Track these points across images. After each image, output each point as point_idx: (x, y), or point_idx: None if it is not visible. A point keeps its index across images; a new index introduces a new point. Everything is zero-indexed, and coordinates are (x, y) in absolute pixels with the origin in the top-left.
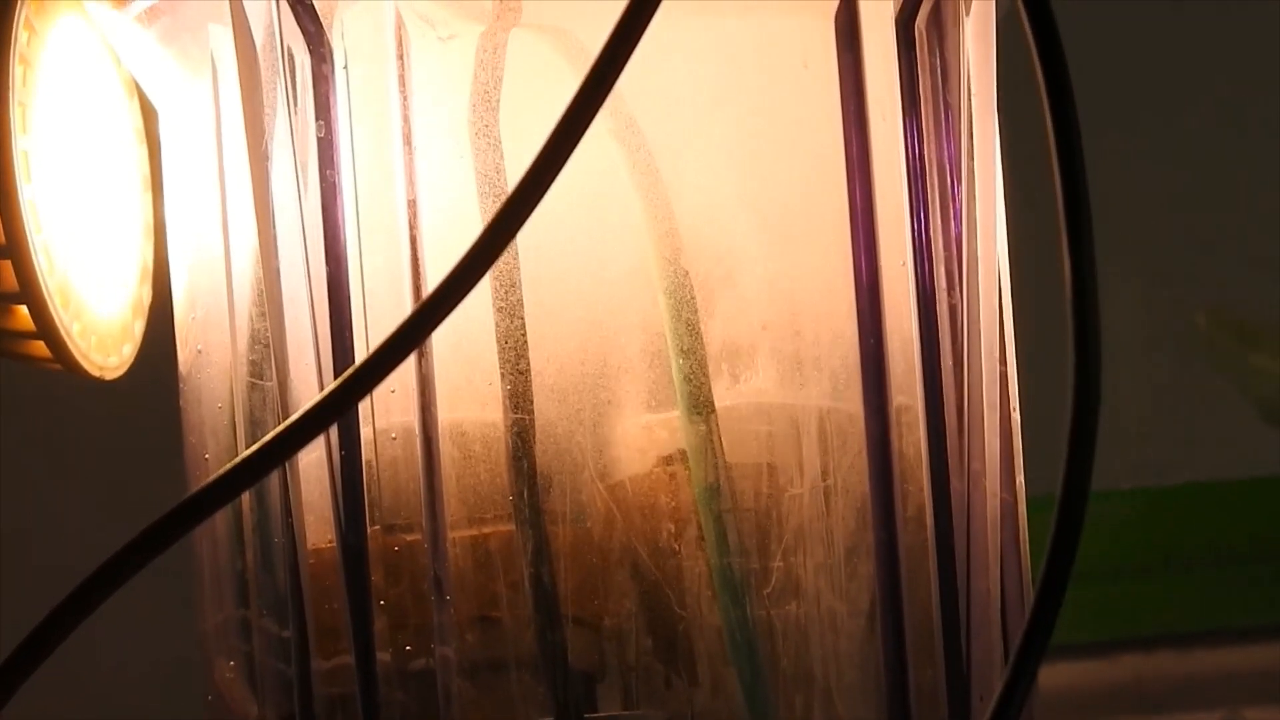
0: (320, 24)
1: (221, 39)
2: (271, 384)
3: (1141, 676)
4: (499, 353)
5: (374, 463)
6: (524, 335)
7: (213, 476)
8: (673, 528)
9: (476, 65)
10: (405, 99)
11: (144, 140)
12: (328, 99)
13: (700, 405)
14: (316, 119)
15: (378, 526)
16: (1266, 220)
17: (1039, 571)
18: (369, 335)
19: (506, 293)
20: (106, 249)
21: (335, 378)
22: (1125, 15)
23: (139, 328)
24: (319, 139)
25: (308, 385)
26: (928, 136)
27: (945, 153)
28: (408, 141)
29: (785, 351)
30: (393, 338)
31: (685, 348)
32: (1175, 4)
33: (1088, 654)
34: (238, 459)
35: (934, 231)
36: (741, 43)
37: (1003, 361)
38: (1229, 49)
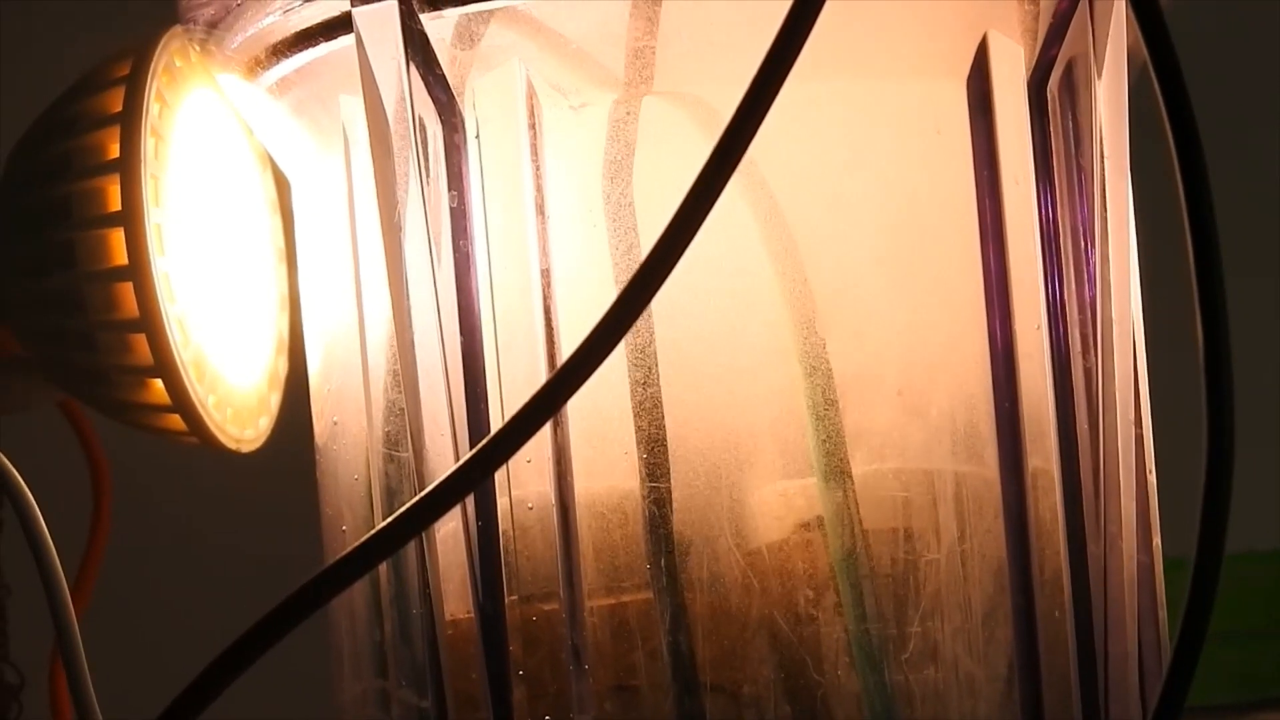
0: (452, 94)
1: (353, 110)
2: (407, 455)
3: None
4: (635, 421)
5: (511, 533)
6: (659, 403)
7: (350, 548)
8: (810, 594)
9: (609, 133)
10: (538, 168)
11: (277, 212)
12: (460, 169)
13: (837, 471)
14: (449, 189)
15: (515, 596)
16: None
17: (1175, 633)
18: (504, 405)
19: (641, 361)
20: (241, 321)
21: (471, 448)
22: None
23: (275, 400)
24: (452, 209)
25: (443, 456)
26: (1061, 200)
27: (1079, 216)
28: (541, 210)
29: (920, 416)
30: (528, 407)
31: (821, 413)
32: None
33: (1225, 715)
34: (375, 530)
35: (1068, 295)
36: (874, 108)
37: (1138, 424)
38: None
